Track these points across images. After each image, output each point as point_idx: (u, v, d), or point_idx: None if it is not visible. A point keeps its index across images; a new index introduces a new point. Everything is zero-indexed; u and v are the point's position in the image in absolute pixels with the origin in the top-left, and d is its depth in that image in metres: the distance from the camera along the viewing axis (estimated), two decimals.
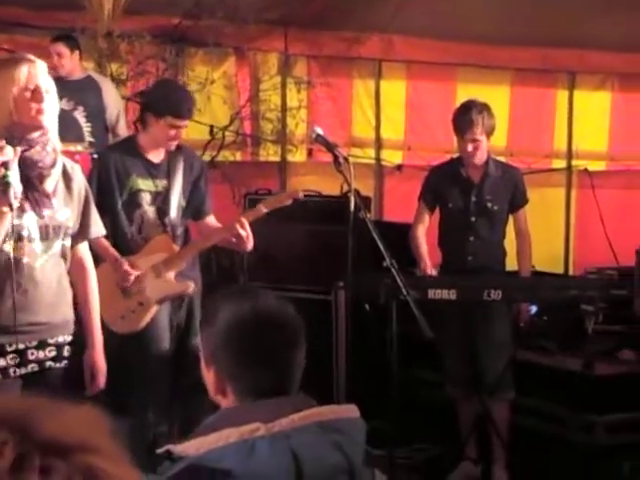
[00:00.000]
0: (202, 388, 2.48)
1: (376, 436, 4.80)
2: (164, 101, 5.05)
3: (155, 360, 4.96)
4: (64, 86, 7.01)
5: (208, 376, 2.39)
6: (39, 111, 3.55)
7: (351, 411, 2.40)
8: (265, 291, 2.47)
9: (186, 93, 5.53)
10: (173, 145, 5.04)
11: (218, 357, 2.35)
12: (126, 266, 4.86)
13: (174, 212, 5.06)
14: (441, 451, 6.19)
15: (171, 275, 4.96)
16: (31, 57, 3.64)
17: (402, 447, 5.71)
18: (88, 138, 6.98)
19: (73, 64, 7.15)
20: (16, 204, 3.45)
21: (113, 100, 7.24)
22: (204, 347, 2.41)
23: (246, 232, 4.83)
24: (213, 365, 2.36)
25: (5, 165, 3.45)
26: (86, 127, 7.09)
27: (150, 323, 4.94)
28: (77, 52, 7.15)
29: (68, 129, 6.84)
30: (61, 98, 6.85)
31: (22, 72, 3.53)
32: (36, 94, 3.54)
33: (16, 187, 3.44)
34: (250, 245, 4.94)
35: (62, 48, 7.08)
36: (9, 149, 3.47)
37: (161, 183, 5.04)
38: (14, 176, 3.45)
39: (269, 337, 2.32)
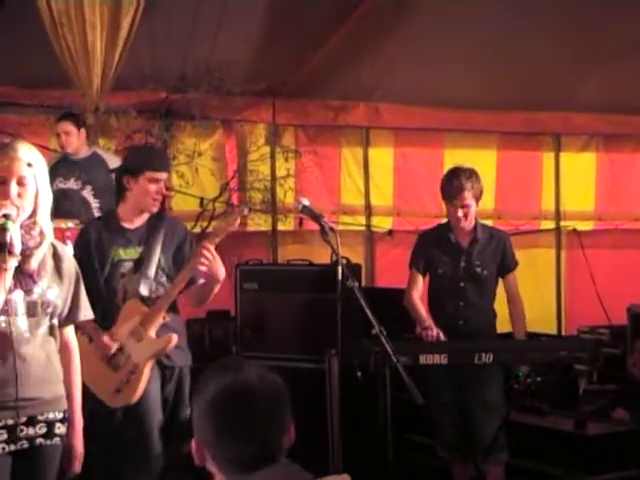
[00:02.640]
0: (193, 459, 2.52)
1: None
2: (139, 159, 5.12)
3: (149, 432, 4.92)
4: (71, 166, 7.15)
5: (193, 445, 2.44)
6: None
7: None
8: (251, 362, 2.50)
9: (157, 148, 5.57)
10: (157, 205, 5.06)
11: (200, 427, 2.41)
12: (105, 339, 4.86)
13: (153, 276, 5.04)
14: None
15: (152, 334, 4.92)
16: (16, 148, 3.64)
17: None
18: (97, 214, 6.99)
19: (80, 142, 7.24)
20: (14, 262, 3.54)
21: None
22: (193, 417, 2.46)
23: (212, 255, 4.80)
24: (196, 434, 2.42)
25: (7, 217, 3.53)
26: (95, 204, 7.15)
27: (142, 396, 4.89)
28: (83, 130, 7.25)
29: (78, 208, 6.93)
30: (69, 178, 7.05)
31: None
32: (4, 188, 3.60)
33: (15, 237, 3.53)
34: (223, 271, 4.92)
35: (70, 127, 7.18)
36: (12, 207, 3.56)
37: (139, 249, 5.06)
38: (14, 228, 3.53)
39: (245, 409, 2.36)
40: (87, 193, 7.15)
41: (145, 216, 5.11)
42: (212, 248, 4.82)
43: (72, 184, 7.10)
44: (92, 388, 4.76)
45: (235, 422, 2.36)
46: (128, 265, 5.03)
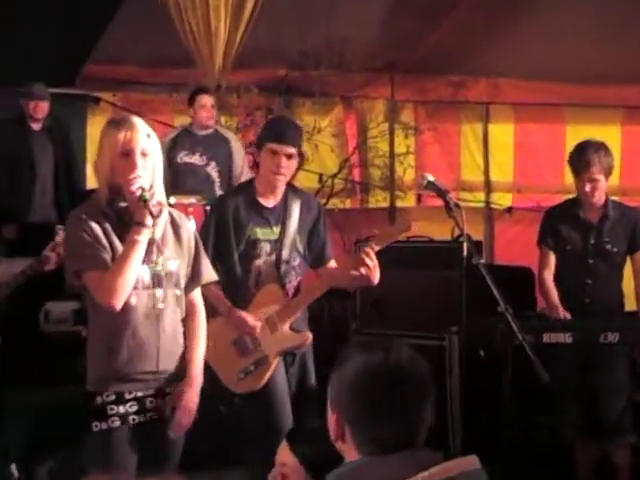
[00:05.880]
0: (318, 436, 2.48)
1: None
2: (264, 131, 4.96)
3: (277, 417, 4.73)
4: (196, 141, 7.18)
5: (330, 421, 2.38)
6: (131, 175, 3.66)
7: (473, 463, 2.37)
8: (399, 342, 2.41)
9: (288, 122, 5.27)
10: (280, 180, 4.79)
11: (342, 403, 2.34)
12: (251, 321, 4.71)
13: (288, 259, 4.88)
14: None
15: (286, 327, 4.78)
16: (133, 121, 3.74)
17: None
18: (219, 192, 7.01)
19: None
20: (147, 234, 3.64)
21: (240, 154, 7.34)
22: (331, 392, 2.39)
23: (373, 262, 4.57)
24: (336, 410, 2.35)
25: (143, 189, 3.63)
26: (218, 182, 7.19)
27: (269, 381, 4.77)
28: None
29: (202, 184, 6.98)
30: (194, 153, 7.07)
31: (120, 137, 3.66)
32: (130, 160, 3.66)
33: (152, 205, 3.63)
34: (378, 276, 4.65)
35: (212, 101, 7.22)
36: (144, 179, 3.66)
37: (277, 229, 4.85)
38: (151, 196, 3.65)
39: (396, 390, 2.29)
40: (212, 169, 7.17)
41: (280, 193, 4.87)
42: (373, 254, 4.60)
43: (197, 159, 7.12)
44: (216, 370, 4.66)
45: (384, 402, 2.28)
46: (264, 246, 4.84)
